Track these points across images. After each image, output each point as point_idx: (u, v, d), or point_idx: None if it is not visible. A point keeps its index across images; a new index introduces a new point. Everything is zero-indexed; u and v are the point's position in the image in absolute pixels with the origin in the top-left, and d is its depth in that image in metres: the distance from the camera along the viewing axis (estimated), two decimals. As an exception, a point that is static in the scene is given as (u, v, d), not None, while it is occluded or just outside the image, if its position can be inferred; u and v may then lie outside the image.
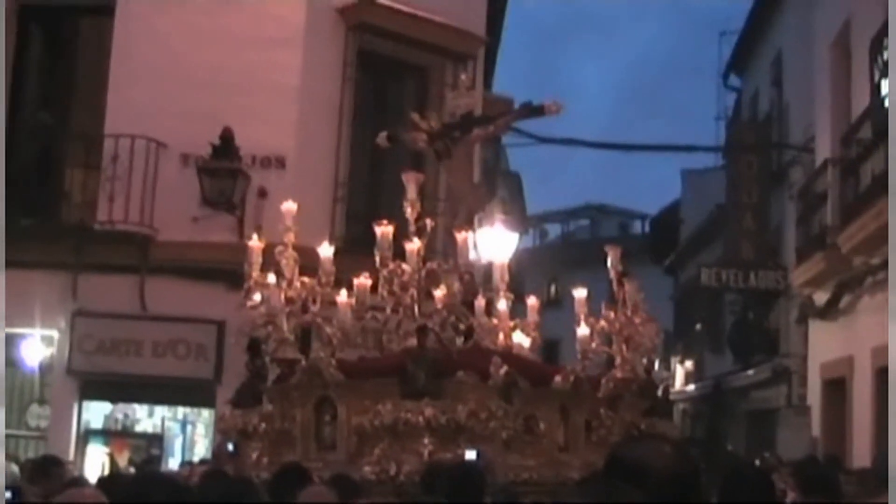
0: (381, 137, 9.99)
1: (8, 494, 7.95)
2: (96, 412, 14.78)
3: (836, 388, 15.65)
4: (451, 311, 8.36)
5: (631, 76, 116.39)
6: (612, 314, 9.29)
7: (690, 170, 31.63)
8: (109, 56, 14.65)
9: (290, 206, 9.09)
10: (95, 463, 14.45)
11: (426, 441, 7.64)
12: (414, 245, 8.55)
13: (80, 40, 15.52)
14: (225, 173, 13.49)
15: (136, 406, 14.99)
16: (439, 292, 8.55)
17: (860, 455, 13.09)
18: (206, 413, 14.46)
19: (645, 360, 9.44)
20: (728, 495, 5.19)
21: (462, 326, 8.49)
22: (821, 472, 7.50)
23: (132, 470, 13.16)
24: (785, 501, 7.62)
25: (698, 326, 29.54)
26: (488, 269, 10.06)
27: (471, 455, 7.57)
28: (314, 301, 8.82)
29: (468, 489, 5.97)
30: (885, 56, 12.79)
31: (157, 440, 14.92)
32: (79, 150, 14.88)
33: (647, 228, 43.14)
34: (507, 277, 9.71)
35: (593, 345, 9.40)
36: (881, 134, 12.22)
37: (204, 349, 13.72)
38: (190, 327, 13.74)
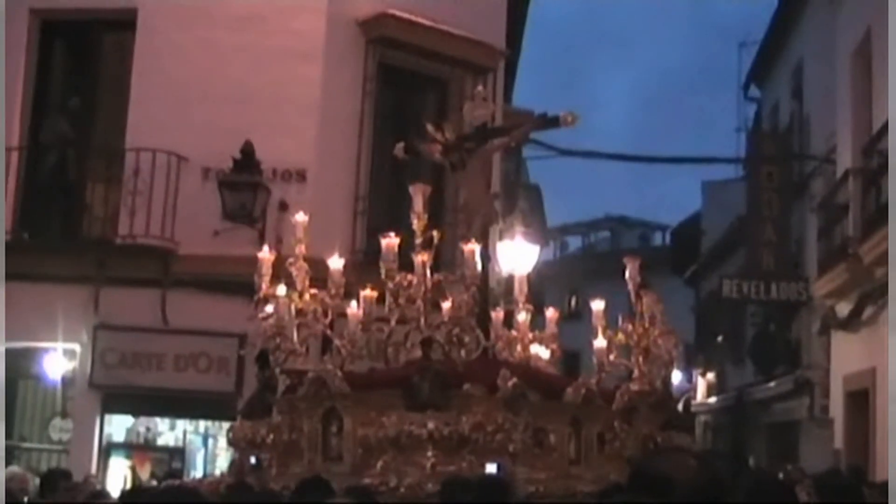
0: (398, 148, 10.02)
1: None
2: (118, 425, 14.81)
3: (859, 400, 15.57)
4: (457, 324, 8.34)
5: (651, 88, 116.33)
6: (629, 326, 9.27)
7: (711, 181, 31.57)
8: (131, 71, 14.73)
9: (301, 217, 9.10)
10: (117, 476, 14.48)
11: (429, 453, 7.63)
12: (421, 257, 8.55)
13: (102, 55, 15.58)
14: (246, 187, 13.53)
15: (158, 419, 15.01)
16: (447, 304, 8.54)
17: (883, 467, 13.02)
18: (228, 426, 14.46)
19: (663, 372, 9.40)
20: (751, 508, 5.17)
21: (467, 339, 8.45)
22: (844, 485, 7.47)
23: (154, 483, 13.20)
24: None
25: (720, 338, 29.45)
26: (509, 281, 10.07)
27: (491, 469, 7.55)
28: (325, 313, 8.82)
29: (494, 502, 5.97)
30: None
31: (178, 453, 14.94)
32: (100, 164, 14.94)
33: (667, 240, 43.01)
34: (525, 289, 9.71)
35: (611, 357, 9.38)
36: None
37: (225, 362, 13.75)
38: (211, 341, 13.77)
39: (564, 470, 8.21)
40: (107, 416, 14.55)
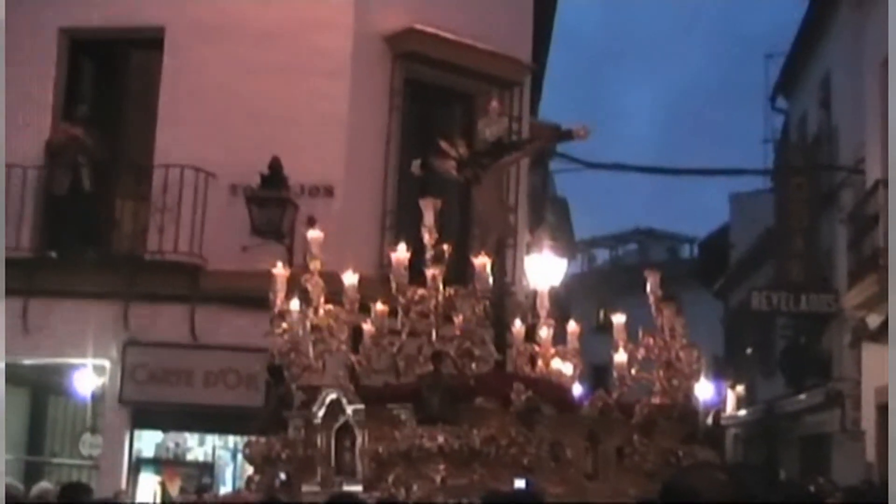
0: (415, 165, 10.04)
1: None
2: (148, 441, 14.87)
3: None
4: (468, 338, 8.34)
5: (678, 99, 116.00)
6: (650, 340, 9.25)
7: (739, 193, 31.49)
8: (159, 88, 14.82)
9: (315, 234, 9.13)
10: (147, 492, 14.54)
11: (440, 467, 7.62)
12: (432, 271, 8.55)
13: (130, 73, 15.69)
14: (274, 202, 13.57)
15: (187, 435, 15.06)
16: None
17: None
18: (244, 442, 14.48)
19: (685, 386, 9.35)
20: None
21: (478, 352, 8.43)
22: (876, 498, 7.42)
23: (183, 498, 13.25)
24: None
25: (749, 350, 29.33)
26: (536, 295, 10.06)
27: (520, 484, 7.54)
28: (342, 328, 8.82)
29: None
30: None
31: (207, 469, 14.99)
32: (129, 181, 15.03)
33: (696, 252, 42.90)
34: (547, 304, 9.70)
35: (633, 371, 9.36)
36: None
37: (254, 378, 13.77)
38: (240, 356, 13.81)
39: (581, 484, 8.18)
40: (136, 432, 14.61)
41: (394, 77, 14.87)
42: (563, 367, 9.70)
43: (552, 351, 9.65)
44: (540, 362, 9.58)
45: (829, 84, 21.91)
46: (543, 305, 9.67)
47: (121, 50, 15.61)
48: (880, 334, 15.71)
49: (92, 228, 14.92)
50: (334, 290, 9.09)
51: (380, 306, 8.89)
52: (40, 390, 18.10)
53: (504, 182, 9.89)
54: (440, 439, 7.57)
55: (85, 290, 14.03)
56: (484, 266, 8.54)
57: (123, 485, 14.14)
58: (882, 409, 16.15)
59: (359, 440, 8.05)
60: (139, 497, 14.32)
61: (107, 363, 14.42)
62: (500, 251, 9.34)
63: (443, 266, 8.63)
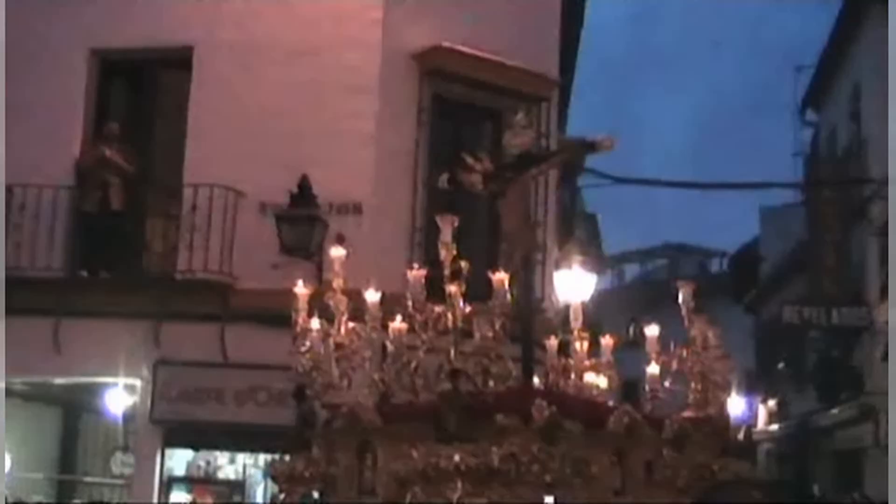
0: (442, 180, 10.02)
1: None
2: (179, 459, 14.90)
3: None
4: (483, 354, 8.30)
5: (706, 113, 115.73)
6: (684, 352, 9.21)
7: (769, 207, 31.38)
8: (188, 107, 14.91)
9: (338, 252, 9.13)
10: (179, 510, 14.59)
11: (457, 485, 7.59)
12: (452, 287, 8.53)
13: (160, 93, 15.78)
14: (303, 221, 13.61)
15: (218, 453, 15.10)
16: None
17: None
18: (268, 461, 14.52)
19: (719, 398, 9.30)
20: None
21: (495, 369, 8.39)
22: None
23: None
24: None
25: (781, 365, 29.18)
26: (567, 311, 10.02)
27: (548, 501, 7.50)
28: (360, 346, 8.80)
29: None
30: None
31: (238, 487, 15.01)
32: (159, 201, 15.10)
33: (726, 266, 42.72)
34: (581, 318, 9.67)
35: (666, 384, 9.31)
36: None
37: (284, 395, 13.72)
38: (270, 374, 13.80)
39: (608, 500, 8.13)
40: (167, 450, 14.64)
41: (421, 94, 14.92)
42: (598, 380, 9.66)
43: (587, 364, 9.61)
44: (573, 376, 9.55)
45: (859, 96, 21.83)
46: (577, 318, 9.63)
47: (150, 70, 15.71)
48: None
49: (122, 248, 15.00)
50: (364, 308, 9.08)
51: (398, 324, 8.86)
52: (72, 409, 18.22)
53: (531, 196, 9.86)
54: (456, 458, 7.54)
55: (116, 310, 14.09)
56: (502, 282, 8.51)
57: (155, 503, 14.20)
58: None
59: (379, 459, 8.04)
60: (171, 515, 14.39)
61: (138, 382, 14.48)
62: (527, 266, 9.29)
63: (462, 282, 8.61)
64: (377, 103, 14.52)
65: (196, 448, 14.99)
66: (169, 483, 14.67)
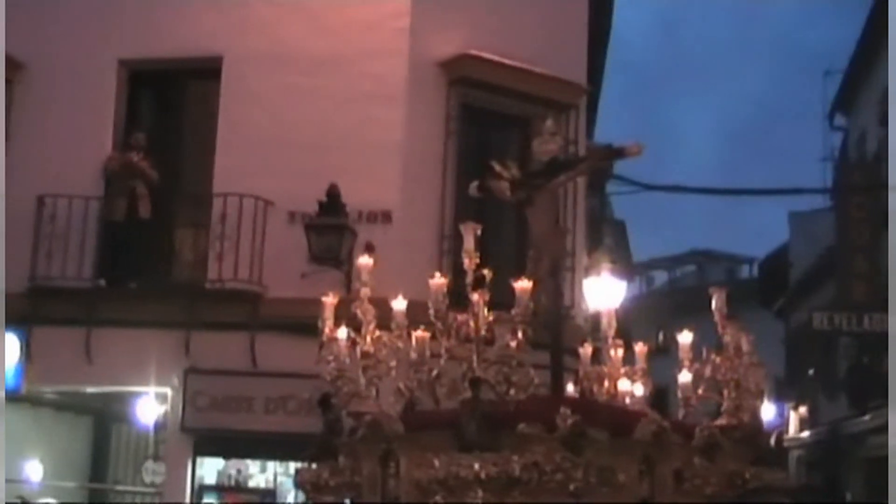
0: (472, 187, 10.03)
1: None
2: (210, 468, 14.93)
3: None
4: (504, 363, 8.27)
5: (735, 119, 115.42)
6: (717, 359, 9.16)
7: (798, 212, 31.24)
8: (216, 118, 14.97)
9: (365, 261, 9.14)
10: (210, 519, 14.64)
11: (478, 494, 7.56)
12: (476, 295, 8.51)
13: (188, 103, 15.84)
14: (332, 229, 13.64)
15: (249, 462, 15.11)
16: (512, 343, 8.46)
17: None
18: (295, 469, 14.53)
19: (751, 406, 9.25)
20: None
21: (516, 378, 8.35)
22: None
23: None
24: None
25: (811, 371, 29.04)
26: (596, 318, 10.01)
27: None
28: (386, 354, 8.79)
29: None
30: None
31: (269, 495, 15.03)
32: (188, 210, 15.16)
33: (755, 273, 42.58)
34: (614, 324, 9.65)
35: (699, 391, 9.28)
36: None
37: (314, 404, 13.78)
38: (300, 382, 13.81)
39: (636, 509, 8.07)
40: (198, 459, 14.67)
41: (449, 102, 14.92)
42: (634, 387, 9.63)
43: (621, 371, 9.58)
44: (607, 383, 9.52)
45: (889, 100, 21.72)
46: (611, 326, 9.60)
47: (179, 80, 15.78)
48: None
49: (151, 257, 15.08)
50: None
51: (420, 332, 8.85)
52: (103, 418, 18.33)
53: (559, 203, 9.86)
54: (476, 466, 7.52)
55: (146, 319, 14.14)
56: (524, 290, 8.49)
57: (186, 512, 14.26)
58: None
59: (402, 467, 8.04)
60: (202, 524, 14.42)
61: (168, 391, 14.52)
62: (556, 273, 9.28)
63: (485, 290, 8.59)
64: (404, 112, 14.55)
65: (227, 456, 15.02)
66: (200, 491, 14.71)
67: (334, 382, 8.79)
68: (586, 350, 9.79)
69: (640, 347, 9.92)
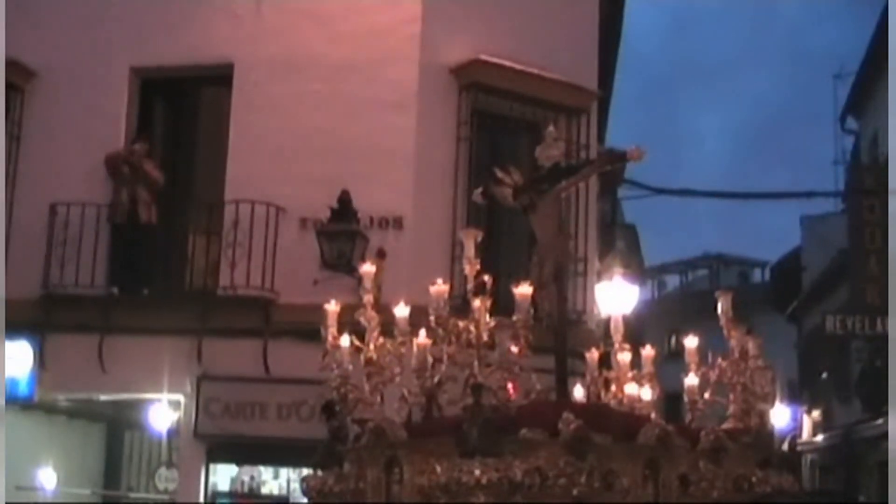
0: (476, 194, 10.03)
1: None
2: (223, 475, 14.95)
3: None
4: (505, 369, 8.26)
5: (746, 122, 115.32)
6: (723, 363, 9.16)
7: (810, 216, 31.20)
8: (229, 125, 14.99)
9: (368, 268, 9.15)
10: (223, 525, 14.65)
11: (480, 500, 7.56)
12: (478, 302, 8.51)
13: (200, 110, 15.87)
14: (343, 235, 13.64)
15: (262, 468, 15.14)
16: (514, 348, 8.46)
17: None
18: (301, 476, 14.53)
19: (758, 409, 9.23)
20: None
21: (511, 385, 8.34)
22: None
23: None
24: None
25: (824, 375, 28.99)
26: (608, 323, 10.01)
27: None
28: (390, 361, 8.79)
29: None
30: None
31: (282, 501, 15.05)
32: (200, 217, 15.19)
33: (767, 277, 42.53)
34: (622, 329, 9.65)
35: (706, 395, 9.28)
36: None
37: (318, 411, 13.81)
38: (312, 389, 13.78)
39: (641, 513, 8.06)
40: (211, 465, 14.68)
41: (460, 108, 14.92)
42: (642, 392, 9.63)
43: (629, 376, 9.58)
44: (614, 388, 9.52)
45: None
46: (619, 330, 9.61)
47: (191, 87, 15.82)
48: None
49: (164, 265, 15.11)
50: (410, 324, 9.07)
51: (421, 339, 8.85)
52: (117, 425, 18.38)
53: (563, 208, 9.86)
54: (477, 472, 7.52)
55: (159, 327, 14.17)
56: (525, 296, 8.49)
57: (200, 518, 14.28)
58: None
59: (405, 473, 8.05)
60: (215, 530, 14.44)
61: (181, 398, 14.54)
62: (559, 278, 9.28)
63: (486, 296, 8.59)
64: (416, 117, 14.55)
65: (240, 463, 15.04)
66: (213, 498, 14.72)
67: (338, 389, 8.80)
68: (593, 355, 9.79)
69: (647, 352, 9.92)
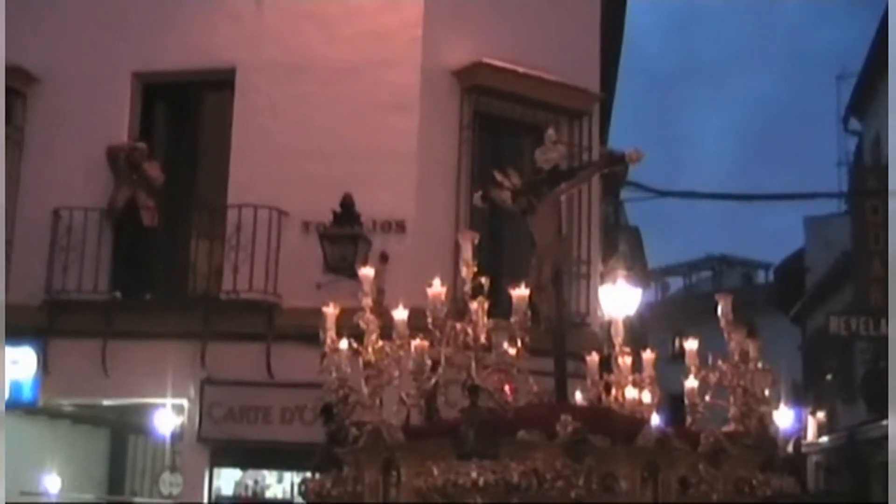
0: (476, 197, 10.05)
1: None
2: (227, 479, 14.94)
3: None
4: (501, 370, 8.24)
5: (748, 124, 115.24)
6: (723, 365, 9.17)
7: (813, 217, 31.18)
8: (231, 128, 14.99)
9: (366, 271, 9.16)
10: (227, 529, 14.65)
11: (476, 502, 7.57)
12: (475, 304, 8.50)
13: (203, 115, 15.91)
14: (346, 239, 13.65)
15: (266, 472, 15.12)
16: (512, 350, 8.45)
17: None
18: (300, 480, 14.52)
19: (758, 412, 9.24)
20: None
21: (508, 387, 8.33)
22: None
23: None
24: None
25: (829, 376, 28.96)
26: (610, 325, 10.01)
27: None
28: (389, 364, 8.78)
29: None
30: None
31: (286, 505, 15.05)
32: (203, 221, 15.21)
33: (771, 278, 42.50)
34: (622, 332, 9.66)
35: (707, 398, 9.28)
36: None
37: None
38: (316, 392, 13.81)
39: (640, 515, 8.06)
40: (215, 470, 14.68)
41: (463, 111, 14.93)
42: (643, 395, 9.63)
43: (630, 379, 9.59)
44: (614, 391, 9.52)
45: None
46: (619, 333, 9.62)
47: (193, 92, 15.83)
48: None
49: (167, 269, 15.13)
50: (410, 326, 9.08)
51: (418, 342, 8.85)
52: (120, 430, 18.39)
53: (561, 211, 9.87)
54: (473, 474, 7.53)
55: (162, 331, 14.18)
56: (521, 297, 8.48)
57: (204, 523, 14.28)
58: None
59: (403, 476, 8.06)
60: (219, 535, 14.44)
61: (185, 402, 14.54)
62: (558, 280, 9.30)
63: (483, 299, 8.58)
64: (418, 120, 14.56)
65: (244, 467, 15.03)
66: (217, 502, 14.73)
67: (336, 393, 8.81)
68: (593, 358, 9.80)
69: (647, 355, 9.93)
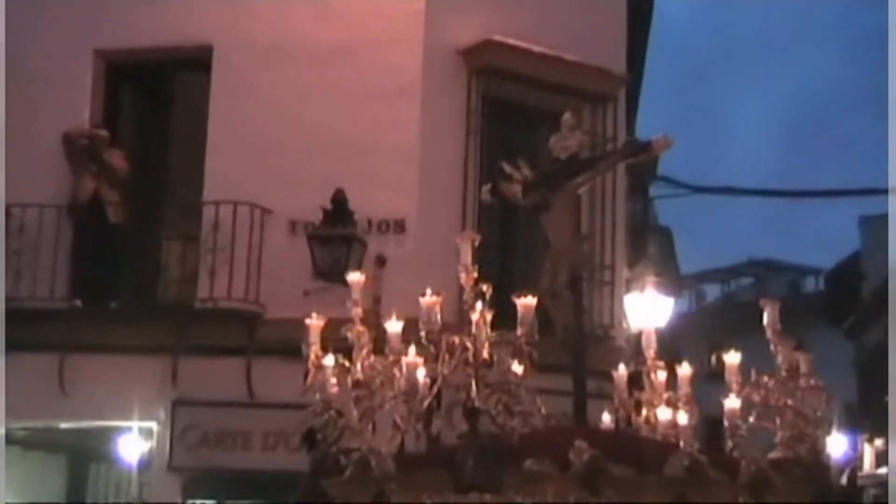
0: (485, 191, 10.04)
1: None
2: (202, 513, 15.03)
3: None
4: (503, 391, 8.19)
5: (795, 113, 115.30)
6: (769, 382, 9.09)
7: (870, 216, 31.20)
8: (207, 115, 15.05)
9: (356, 277, 9.14)
10: (202, 570, 14.71)
11: None
12: (476, 315, 8.48)
13: (175, 99, 15.94)
14: (338, 240, 13.69)
15: (245, 504, 15.21)
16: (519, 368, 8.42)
17: None
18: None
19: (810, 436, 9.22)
20: None
21: (519, 408, 8.28)
22: None
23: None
24: None
25: (888, 398, 28.96)
26: (639, 338, 10.03)
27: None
28: (382, 383, 8.74)
29: None
30: None
31: (268, 542, 15.12)
32: (176, 220, 15.26)
33: (821, 285, 42.57)
34: (654, 345, 9.64)
35: (750, 419, 9.24)
36: None
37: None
38: (302, 415, 13.91)
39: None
40: (188, 502, 14.75)
41: (470, 96, 14.98)
42: (678, 416, 9.61)
43: (664, 397, 9.53)
44: (645, 411, 9.50)
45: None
46: (651, 345, 9.58)
47: (164, 73, 15.86)
48: None
49: (135, 274, 15.18)
50: (407, 340, 9.11)
51: (411, 357, 8.78)
52: (80, 457, 18.39)
53: (580, 207, 9.86)
54: None
55: (128, 344, 14.19)
56: (528, 307, 8.45)
57: (174, 563, 14.33)
58: None
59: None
60: (193, 576, 14.50)
61: (154, 425, 14.58)
62: (576, 286, 9.28)
63: (485, 309, 8.56)
64: (420, 107, 14.61)
65: (220, 499, 15.08)
66: (190, 539, 14.81)
67: (321, 415, 8.77)
68: (621, 374, 9.77)
69: (684, 371, 9.89)
